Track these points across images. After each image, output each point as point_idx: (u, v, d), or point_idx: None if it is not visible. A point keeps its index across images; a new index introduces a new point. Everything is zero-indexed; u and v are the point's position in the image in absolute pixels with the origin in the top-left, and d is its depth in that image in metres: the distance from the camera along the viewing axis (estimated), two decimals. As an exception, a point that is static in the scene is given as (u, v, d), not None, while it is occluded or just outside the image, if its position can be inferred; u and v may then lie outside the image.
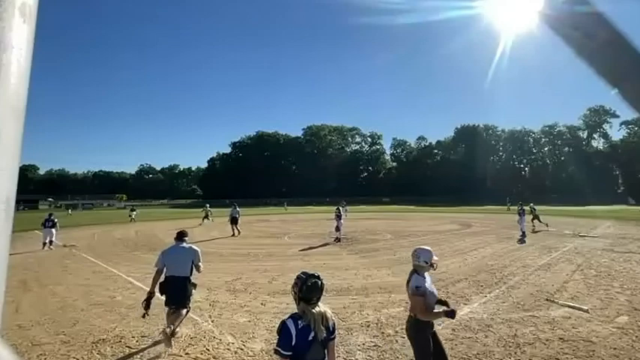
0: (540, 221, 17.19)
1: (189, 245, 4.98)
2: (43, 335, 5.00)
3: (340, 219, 14.78)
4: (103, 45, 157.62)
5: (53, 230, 13.57)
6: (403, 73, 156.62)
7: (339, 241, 14.06)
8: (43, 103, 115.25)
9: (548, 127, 73.12)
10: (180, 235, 5.04)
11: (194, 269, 4.82)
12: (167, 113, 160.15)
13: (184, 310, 4.73)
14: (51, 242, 13.39)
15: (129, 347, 4.58)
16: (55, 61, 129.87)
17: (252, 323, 5.34)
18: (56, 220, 13.98)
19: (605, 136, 71.22)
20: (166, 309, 4.67)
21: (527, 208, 15.97)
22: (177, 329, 4.74)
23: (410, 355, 4.24)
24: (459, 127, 78.14)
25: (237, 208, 17.31)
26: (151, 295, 4.61)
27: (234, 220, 16.94)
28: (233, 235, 16.55)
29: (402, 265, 9.36)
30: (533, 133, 74.70)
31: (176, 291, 4.62)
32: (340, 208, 15.70)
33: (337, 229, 14.61)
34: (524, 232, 14.28)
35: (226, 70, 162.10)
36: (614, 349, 4.29)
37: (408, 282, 3.09)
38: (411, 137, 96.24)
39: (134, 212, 28.15)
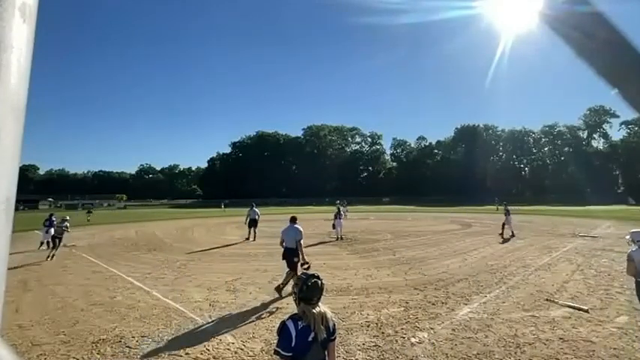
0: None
1: (297, 226, 6.88)
2: (43, 335, 5.00)
3: (339, 218, 14.99)
4: (103, 45, 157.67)
5: (52, 230, 13.55)
6: (403, 73, 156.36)
7: (341, 239, 14.29)
8: (43, 102, 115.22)
9: (548, 127, 73.10)
10: (293, 219, 7.07)
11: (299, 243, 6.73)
12: (167, 113, 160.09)
13: (292, 273, 6.58)
14: (47, 243, 13.36)
15: (129, 347, 4.58)
16: (54, 61, 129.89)
17: (252, 323, 5.34)
18: (55, 220, 13.95)
19: (605, 136, 71.22)
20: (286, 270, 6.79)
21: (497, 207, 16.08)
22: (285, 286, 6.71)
23: (410, 356, 4.24)
24: (459, 127, 78.14)
25: (256, 209, 15.16)
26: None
27: (252, 223, 14.89)
28: (248, 238, 14.63)
29: (402, 265, 9.36)
30: (533, 133, 74.69)
31: (288, 258, 6.73)
32: (341, 208, 15.92)
33: (333, 227, 14.93)
34: (512, 232, 14.54)
35: (226, 70, 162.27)
36: (614, 349, 4.29)
37: None
38: (411, 137, 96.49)
39: (90, 214, 27.92)
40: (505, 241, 13.38)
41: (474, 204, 46.10)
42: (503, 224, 14.84)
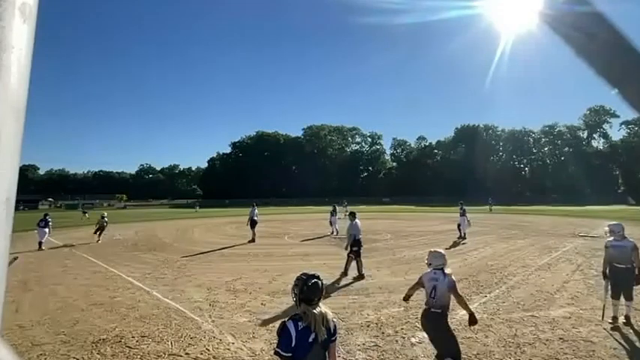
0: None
1: (356, 222, 8.49)
2: (43, 335, 5.00)
3: (334, 216, 16.78)
4: (103, 45, 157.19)
5: (46, 230, 13.57)
6: (403, 72, 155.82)
7: (337, 232, 15.90)
8: (43, 102, 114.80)
9: (548, 127, 73.05)
10: (353, 215, 8.73)
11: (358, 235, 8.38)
12: (167, 113, 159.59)
13: (357, 259, 8.20)
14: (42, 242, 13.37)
15: (129, 347, 4.58)
16: (55, 61, 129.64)
17: (252, 323, 5.34)
18: (50, 219, 13.97)
19: (605, 136, 71.16)
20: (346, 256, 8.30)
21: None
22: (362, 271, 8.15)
23: (410, 356, 4.24)
24: (459, 127, 78.09)
25: (255, 210, 14.67)
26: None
27: (254, 224, 14.52)
28: (253, 240, 14.17)
29: (402, 265, 9.37)
30: (533, 133, 74.63)
31: (358, 247, 8.18)
32: (337, 207, 16.97)
33: (330, 223, 16.89)
34: (464, 234, 13.97)
35: (226, 70, 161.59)
36: (614, 349, 4.29)
37: None
38: (411, 137, 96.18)
39: (86, 214, 28.24)
40: (455, 244, 12.79)
41: (473, 204, 46.03)
42: (459, 225, 14.19)
